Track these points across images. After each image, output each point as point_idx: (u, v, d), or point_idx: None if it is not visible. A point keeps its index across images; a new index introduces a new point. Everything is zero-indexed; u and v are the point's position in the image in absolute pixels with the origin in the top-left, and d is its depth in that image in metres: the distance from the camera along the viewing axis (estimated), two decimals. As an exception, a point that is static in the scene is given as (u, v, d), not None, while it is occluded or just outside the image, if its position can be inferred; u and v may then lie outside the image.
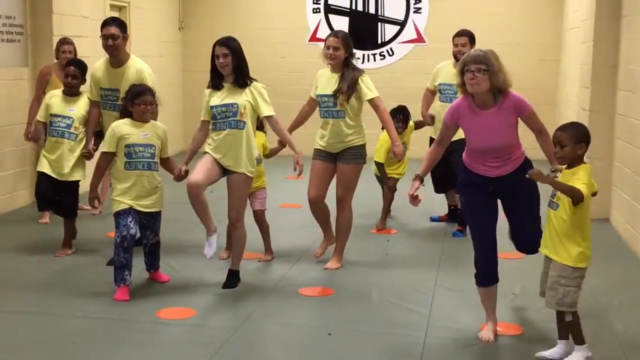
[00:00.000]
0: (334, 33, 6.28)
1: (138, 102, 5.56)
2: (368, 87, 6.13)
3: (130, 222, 5.49)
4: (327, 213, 6.46)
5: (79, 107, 6.56)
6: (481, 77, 4.53)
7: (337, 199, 6.32)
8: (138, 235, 5.72)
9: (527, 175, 4.33)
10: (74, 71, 6.59)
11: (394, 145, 6.29)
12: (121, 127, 5.59)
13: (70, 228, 6.67)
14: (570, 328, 4.43)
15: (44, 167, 6.56)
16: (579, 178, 4.28)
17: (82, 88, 6.73)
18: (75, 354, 4.58)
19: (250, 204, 6.26)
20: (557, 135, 4.40)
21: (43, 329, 4.93)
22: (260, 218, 6.46)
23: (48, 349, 4.62)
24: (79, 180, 6.68)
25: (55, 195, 6.60)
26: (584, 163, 4.38)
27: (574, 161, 4.37)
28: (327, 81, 6.20)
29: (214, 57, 5.59)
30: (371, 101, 6.16)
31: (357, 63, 6.34)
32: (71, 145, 6.52)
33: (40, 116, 6.70)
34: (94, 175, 5.79)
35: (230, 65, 5.56)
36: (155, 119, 5.72)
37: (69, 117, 6.52)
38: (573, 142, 4.34)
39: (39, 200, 6.86)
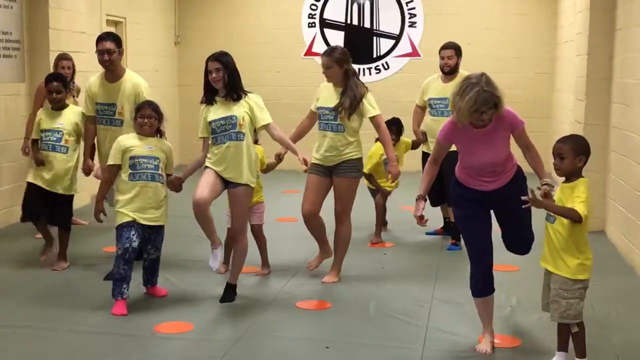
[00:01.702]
0: (326, 51, 6.24)
1: (137, 115, 5.68)
2: (371, 105, 6.14)
3: (133, 235, 5.52)
4: (323, 227, 6.45)
5: (67, 119, 6.58)
6: (492, 113, 4.53)
7: (335, 213, 6.33)
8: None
9: (523, 207, 4.32)
10: (57, 86, 6.58)
11: (391, 165, 6.29)
12: (126, 140, 5.67)
13: (64, 241, 6.67)
14: (575, 339, 4.46)
15: (34, 178, 6.55)
16: (578, 195, 4.27)
17: (70, 101, 6.81)
18: (73, 369, 4.58)
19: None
20: (557, 147, 4.40)
21: (40, 343, 4.92)
22: (257, 232, 6.47)
23: (46, 363, 4.62)
24: (73, 194, 6.69)
25: (46, 207, 6.58)
26: (582, 177, 4.38)
27: (572, 174, 4.37)
28: (329, 94, 6.20)
29: (207, 72, 5.63)
30: (373, 119, 6.18)
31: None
32: (64, 158, 6.54)
33: (34, 134, 6.72)
34: (100, 189, 5.85)
35: (223, 80, 5.59)
36: (152, 132, 5.74)
37: (59, 131, 6.54)
38: (573, 154, 4.33)
39: (26, 211, 6.74)
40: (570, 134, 4.61)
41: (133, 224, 5.53)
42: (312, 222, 6.35)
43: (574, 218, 4.24)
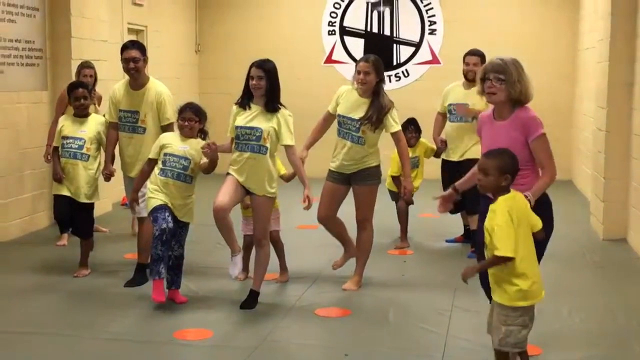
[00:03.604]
0: (365, 57, 6.19)
1: (179, 117, 5.88)
2: (394, 120, 6.14)
3: (168, 216, 5.65)
4: (342, 226, 6.43)
5: (90, 128, 6.63)
6: (499, 86, 4.47)
7: (357, 220, 6.33)
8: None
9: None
10: (82, 92, 6.66)
11: (406, 181, 6.34)
12: (166, 138, 5.91)
13: (86, 248, 6.72)
14: None
15: (61, 189, 6.62)
16: (493, 227, 3.97)
17: (91, 109, 6.91)
18: (93, 375, 4.61)
19: None
20: (482, 162, 4.14)
21: (61, 349, 4.95)
22: (275, 238, 6.47)
23: (66, 370, 4.66)
24: (94, 203, 6.75)
25: (73, 216, 6.66)
26: (506, 193, 4.08)
27: (496, 192, 4.10)
28: (354, 103, 6.15)
29: (248, 77, 5.66)
30: (394, 134, 6.19)
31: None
32: (84, 165, 6.58)
33: (55, 141, 6.78)
34: (137, 179, 6.06)
35: (264, 88, 5.61)
36: (192, 135, 5.85)
37: (81, 139, 6.58)
38: (498, 172, 4.05)
39: (60, 223, 6.90)
40: (498, 149, 4.21)
41: (166, 207, 5.69)
42: (329, 225, 6.37)
43: (502, 262, 3.97)
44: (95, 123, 6.69)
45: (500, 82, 4.46)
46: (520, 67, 4.56)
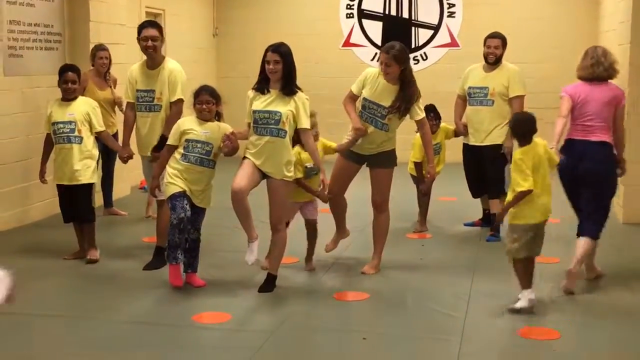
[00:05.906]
0: (386, 48, 6.04)
1: (196, 101, 5.82)
2: (419, 108, 6.14)
3: (186, 204, 5.67)
4: (345, 207, 6.50)
5: (77, 110, 6.59)
6: None
7: (374, 203, 6.32)
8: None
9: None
10: (72, 76, 6.61)
11: (430, 166, 6.44)
12: (186, 123, 5.85)
13: (90, 232, 6.70)
14: (517, 273, 5.27)
15: (60, 178, 6.64)
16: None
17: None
18: (112, 359, 4.63)
19: (301, 212, 6.32)
20: None
21: (80, 332, 4.99)
22: (312, 226, 6.44)
23: (85, 352, 4.68)
24: (93, 184, 6.73)
25: (72, 206, 6.66)
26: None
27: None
28: (382, 89, 6.08)
29: (264, 61, 5.64)
30: (419, 121, 6.20)
31: None
32: (79, 148, 6.56)
33: (45, 128, 6.76)
34: (156, 166, 6.03)
35: (280, 72, 5.59)
36: (211, 117, 5.84)
37: (70, 122, 6.54)
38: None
39: (63, 213, 6.86)
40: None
41: (184, 194, 5.69)
42: (337, 202, 6.39)
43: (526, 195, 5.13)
44: (82, 104, 6.65)
45: None
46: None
